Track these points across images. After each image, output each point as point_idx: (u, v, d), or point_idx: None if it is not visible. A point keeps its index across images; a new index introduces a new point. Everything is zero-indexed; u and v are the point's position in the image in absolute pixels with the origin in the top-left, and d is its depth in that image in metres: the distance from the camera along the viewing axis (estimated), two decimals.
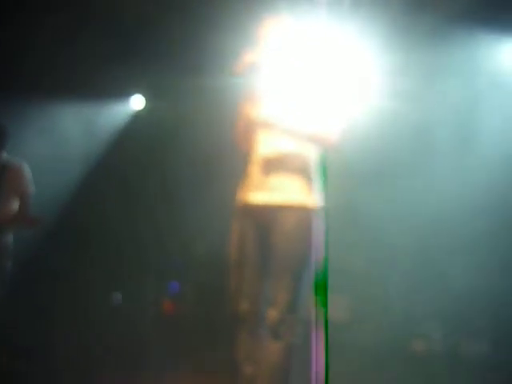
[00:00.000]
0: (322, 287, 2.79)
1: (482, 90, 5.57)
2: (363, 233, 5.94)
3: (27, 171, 4.46)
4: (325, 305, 2.79)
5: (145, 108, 7.13)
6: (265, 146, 3.03)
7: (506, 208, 5.57)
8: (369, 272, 6.06)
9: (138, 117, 7.14)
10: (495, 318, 5.65)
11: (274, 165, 3.01)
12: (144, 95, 7.09)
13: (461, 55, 5.47)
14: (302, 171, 3.02)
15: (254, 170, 3.04)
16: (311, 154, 3.05)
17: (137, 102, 7.11)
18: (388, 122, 5.51)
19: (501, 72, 5.69)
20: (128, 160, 6.78)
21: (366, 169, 5.84)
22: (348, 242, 5.83)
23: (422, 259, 5.84)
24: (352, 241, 5.93)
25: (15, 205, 4.41)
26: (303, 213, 2.98)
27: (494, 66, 5.70)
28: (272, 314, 2.95)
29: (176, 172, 6.71)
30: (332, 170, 3.13)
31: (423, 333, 5.93)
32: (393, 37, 5.09)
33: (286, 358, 2.95)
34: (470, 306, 5.58)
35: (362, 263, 6.13)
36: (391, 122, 5.52)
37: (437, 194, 5.59)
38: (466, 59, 5.51)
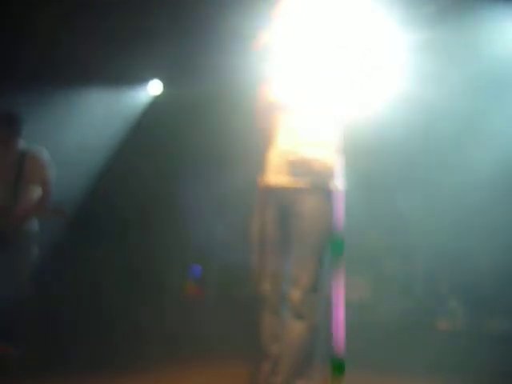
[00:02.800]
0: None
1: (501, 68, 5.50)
2: (385, 214, 5.93)
3: (46, 158, 4.46)
4: (343, 284, 2.79)
5: (163, 93, 7.13)
6: (285, 128, 3.04)
7: None
8: (391, 252, 6.05)
9: (156, 102, 7.15)
10: None
11: (294, 147, 3.01)
12: (162, 80, 7.10)
13: (479, 32, 5.39)
14: (323, 153, 3.02)
15: (275, 152, 3.05)
16: (332, 137, 3.05)
17: (155, 87, 7.12)
18: (408, 105, 5.47)
19: None
20: (146, 145, 6.80)
21: (387, 152, 5.82)
22: (370, 223, 5.82)
23: (443, 239, 5.82)
24: (374, 222, 5.92)
25: (36, 192, 4.44)
26: (324, 195, 2.99)
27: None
28: (295, 294, 2.98)
29: (195, 156, 6.73)
30: (352, 153, 3.13)
31: (446, 311, 5.92)
32: (410, 16, 5.03)
33: (310, 336, 2.98)
34: (493, 284, 5.56)
35: (384, 244, 6.12)
36: (411, 105, 5.47)
37: (461, 175, 5.56)
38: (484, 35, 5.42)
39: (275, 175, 3.04)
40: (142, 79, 7.02)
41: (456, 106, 5.50)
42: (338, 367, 2.48)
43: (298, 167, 3.01)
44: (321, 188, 2.99)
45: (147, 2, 5.24)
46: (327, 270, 2.97)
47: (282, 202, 3.03)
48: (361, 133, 3.06)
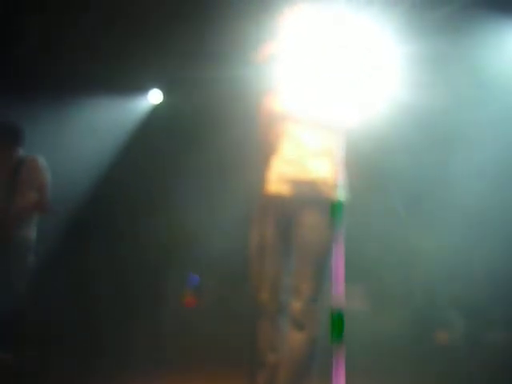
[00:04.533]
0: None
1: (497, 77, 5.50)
2: (385, 225, 5.92)
3: (43, 163, 4.58)
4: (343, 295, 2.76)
5: (163, 102, 7.15)
6: (288, 138, 3.04)
7: None
8: (389, 262, 6.04)
9: (155, 111, 7.16)
10: None
11: (297, 157, 3.01)
12: (162, 89, 7.11)
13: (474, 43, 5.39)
14: (326, 164, 3.02)
15: (278, 162, 3.04)
16: (335, 147, 3.04)
17: (155, 97, 7.13)
18: (404, 113, 5.47)
19: None
20: (146, 154, 6.80)
21: (384, 159, 5.82)
22: (369, 233, 5.81)
23: (442, 250, 5.81)
24: (373, 232, 5.91)
25: (34, 196, 4.50)
26: (327, 205, 2.97)
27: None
28: (296, 304, 2.96)
29: (195, 165, 6.72)
30: (354, 164, 3.13)
31: (445, 322, 5.90)
32: (409, 26, 5.04)
33: (310, 347, 2.96)
34: (492, 295, 5.55)
35: (383, 255, 6.11)
36: (408, 113, 5.48)
37: (462, 187, 5.55)
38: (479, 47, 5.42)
39: (277, 185, 3.04)
40: (142, 88, 7.04)
41: (457, 115, 5.50)
42: (337, 320, 2.44)
43: (300, 177, 3.00)
44: (323, 198, 2.98)
45: (148, 11, 5.26)
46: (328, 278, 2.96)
47: (284, 211, 3.02)
48: (362, 144, 3.06)
